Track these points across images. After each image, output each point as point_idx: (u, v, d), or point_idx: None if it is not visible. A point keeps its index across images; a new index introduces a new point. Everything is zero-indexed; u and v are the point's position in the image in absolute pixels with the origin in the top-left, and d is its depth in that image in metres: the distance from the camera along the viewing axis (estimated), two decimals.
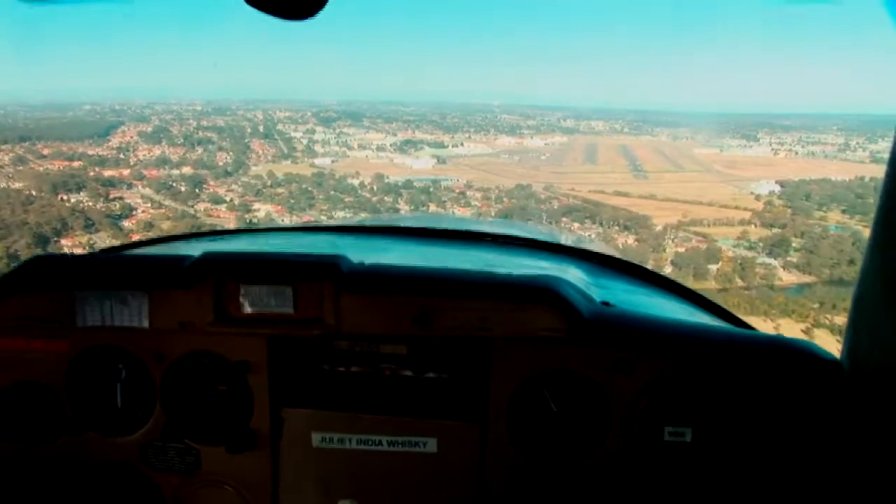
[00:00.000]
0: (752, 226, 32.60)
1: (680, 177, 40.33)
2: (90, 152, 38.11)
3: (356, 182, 38.50)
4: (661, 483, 1.70)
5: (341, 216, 34.17)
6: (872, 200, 1.44)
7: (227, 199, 36.03)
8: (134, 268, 1.81)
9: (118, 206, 33.79)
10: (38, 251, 26.24)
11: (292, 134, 43.87)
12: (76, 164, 36.62)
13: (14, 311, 1.77)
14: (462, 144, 44.52)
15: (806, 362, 1.63)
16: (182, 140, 40.90)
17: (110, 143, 39.70)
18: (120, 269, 1.81)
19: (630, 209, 35.08)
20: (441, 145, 44.09)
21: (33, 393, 1.81)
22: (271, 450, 1.79)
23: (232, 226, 32.46)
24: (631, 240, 32.24)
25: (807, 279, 27.90)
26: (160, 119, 43.15)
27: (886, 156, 1.35)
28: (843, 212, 32.26)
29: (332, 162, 41.07)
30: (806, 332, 20.27)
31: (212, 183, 37.50)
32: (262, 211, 34.98)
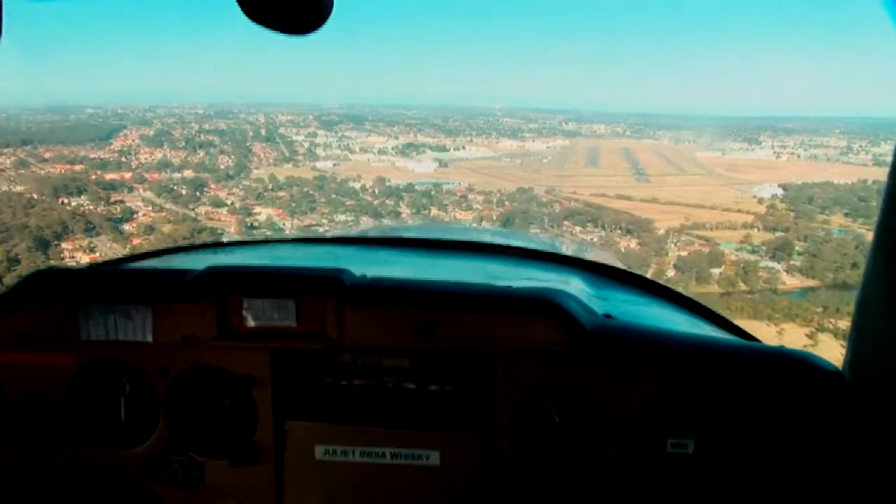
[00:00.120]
0: (755, 229, 32.59)
1: (682, 180, 40.36)
2: (92, 156, 38.23)
3: (358, 185, 38.55)
4: (664, 495, 1.70)
5: (342, 220, 34.22)
6: (875, 203, 1.42)
7: (229, 202, 36.09)
8: (137, 281, 1.82)
9: (119, 209, 33.87)
10: (39, 255, 26.39)
11: (294, 137, 43.95)
12: (77, 167, 36.72)
13: (18, 326, 1.78)
14: (464, 148, 44.59)
15: (806, 373, 1.63)
16: (184, 143, 41.00)
17: (112, 147, 39.82)
18: (123, 282, 1.82)
19: (632, 213, 35.10)
20: (443, 149, 44.15)
21: (38, 406, 1.82)
22: (275, 463, 1.80)
23: (233, 229, 32.55)
24: (633, 243, 32.26)
25: (810, 283, 27.90)
26: (162, 122, 43.28)
27: (889, 158, 1.34)
28: (846, 215, 32.26)
29: (334, 165, 41.14)
30: (810, 336, 20.28)
31: (213, 186, 37.56)
32: (264, 214, 35.02)
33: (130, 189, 36.32)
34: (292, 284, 1.72)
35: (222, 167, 39.52)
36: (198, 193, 36.56)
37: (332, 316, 1.69)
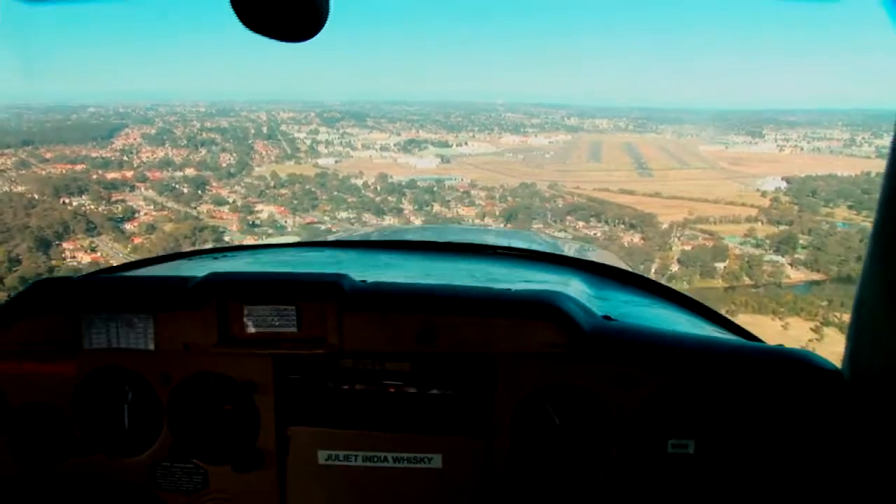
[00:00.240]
0: (759, 223, 32.56)
1: (685, 174, 40.32)
2: (93, 155, 38.32)
3: (360, 182, 38.58)
4: (665, 495, 1.71)
5: (345, 217, 34.27)
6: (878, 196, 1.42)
7: (230, 200, 36.13)
8: (138, 290, 1.82)
9: (120, 208, 33.95)
10: (40, 255, 26.46)
11: (296, 134, 44.00)
12: (79, 167, 36.79)
13: (21, 335, 1.78)
14: (466, 143, 44.59)
15: (806, 372, 1.63)
16: (185, 142, 41.09)
17: (114, 146, 39.92)
18: (124, 291, 1.82)
19: (635, 207, 35.05)
20: (445, 144, 44.14)
21: (41, 415, 1.82)
22: (278, 468, 1.80)
23: (235, 227, 32.57)
24: (637, 238, 32.25)
25: (815, 276, 27.87)
26: (164, 121, 43.37)
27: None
28: (850, 207, 32.18)
29: (336, 162, 41.18)
30: (815, 330, 20.27)
31: (215, 184, 37.62)
32: (266, 212, 35.07)
33: (132, 188, 36.41)
34: (292, 291, 1.72)
35: (224, 165, 39.59)
36: (199, 192, 36.63)
37: (333, 321, 1.69)
